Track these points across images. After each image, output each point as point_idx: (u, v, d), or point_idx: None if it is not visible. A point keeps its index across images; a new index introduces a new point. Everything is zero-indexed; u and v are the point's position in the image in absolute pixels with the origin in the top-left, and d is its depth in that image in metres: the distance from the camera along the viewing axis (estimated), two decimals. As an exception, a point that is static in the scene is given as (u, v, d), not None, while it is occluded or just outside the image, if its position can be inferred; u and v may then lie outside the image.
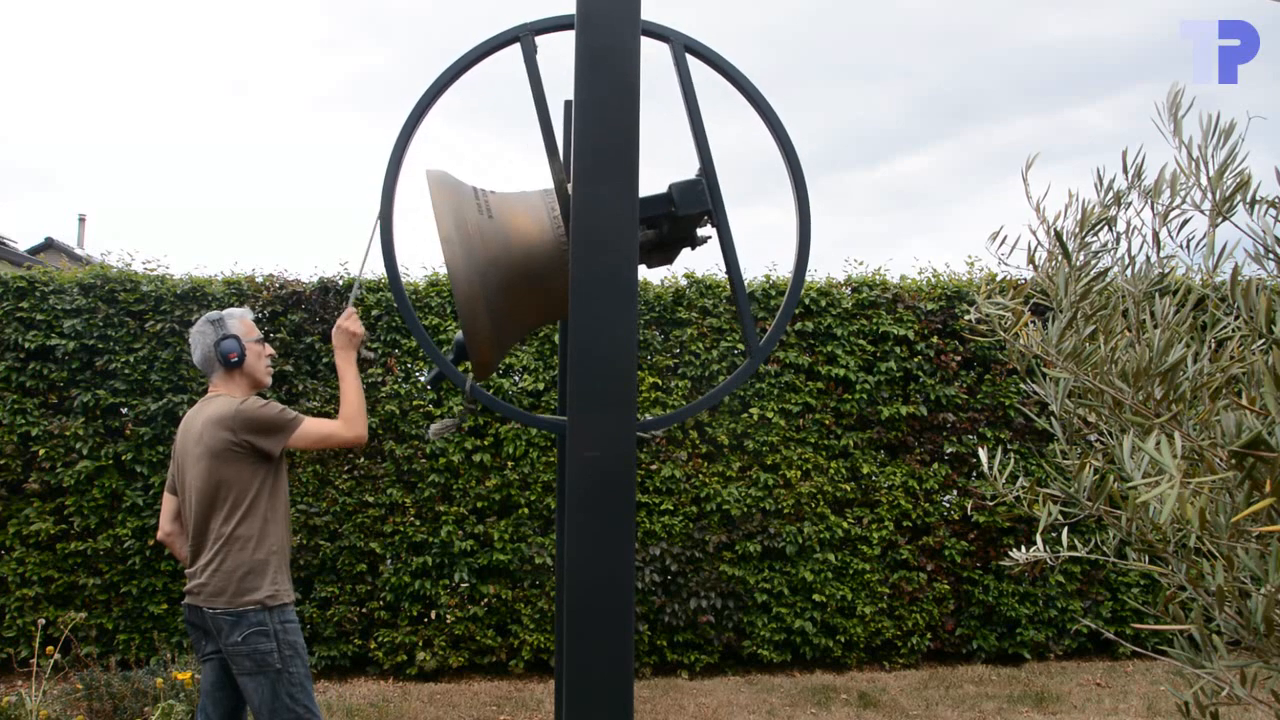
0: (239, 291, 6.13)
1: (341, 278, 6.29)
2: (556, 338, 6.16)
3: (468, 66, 2.09)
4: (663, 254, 2.26)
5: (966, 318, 6.10)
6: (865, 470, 6.35)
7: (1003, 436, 6.45)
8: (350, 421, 2.94)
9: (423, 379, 6.18)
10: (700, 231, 2.22)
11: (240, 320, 3.05)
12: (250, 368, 3.04)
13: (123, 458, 5.92)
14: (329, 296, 6.21)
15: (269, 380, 3.13)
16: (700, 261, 15.38)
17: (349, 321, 2.99)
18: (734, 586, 6.13)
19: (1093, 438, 1.64)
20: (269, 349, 3.14)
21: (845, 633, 6.24)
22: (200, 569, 2.88)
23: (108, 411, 5.96)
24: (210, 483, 2.87)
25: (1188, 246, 1.48)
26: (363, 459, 6.03)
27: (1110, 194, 1.55)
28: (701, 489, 6.17)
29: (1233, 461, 1.10)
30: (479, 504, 6.06)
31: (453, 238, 1.98)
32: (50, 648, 5.05)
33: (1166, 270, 1.52)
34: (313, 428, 2.94)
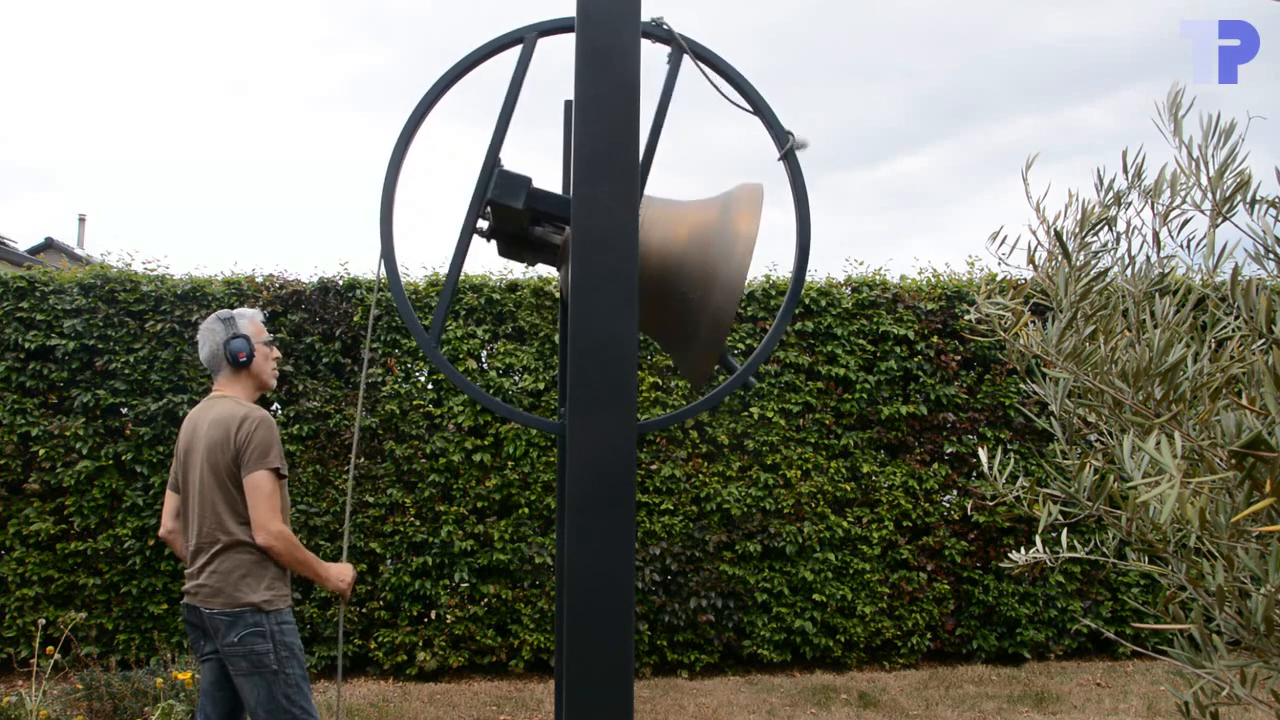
0: (239, 291, 6.13)
1: (341, 278, 6.29)
2: (556, 338, 6.16)
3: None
4: (508, 245, 2.25)
5: (966, 318, 6.10)
6: (865, 470, 6.35)
7: (1003, 436, 6.45)
8: (279, 540, 2.83)
9: (422, 378, 6.16)
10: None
11: (251, 321, 3.05)
12: (257, 369, 3.04)
13: (123, 458, 5.92)
14: (329, 296, 6.21)
15: (274, 383, 3.12)
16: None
17: (347, 586, 3.06)
18: (734, 586, 6.13)
19: (1093, 438, 1.64)
20: (276, 352, 3.13)
21: (845, 633, 6.24)
22: (199, 569, 2.88)
23: (108, 411, 5.96)
24: (211, 484, 2.87)
25: (1188, 246, 1.48)
26: (363, 459, 6.04)
27: (1110, 194, 1.55)
28: (701, 489, 6.17)
29: (1233, 461, 1.10)
30: (479, 504, 6.06)
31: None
32: (50, 648, 5.05)
33: (1166, 270, 1.52)
34: (264, 490, 2.83)
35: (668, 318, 2.09)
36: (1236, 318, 1.35)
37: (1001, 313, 1.57)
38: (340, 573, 3.05)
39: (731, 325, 2.23)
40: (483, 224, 2.16)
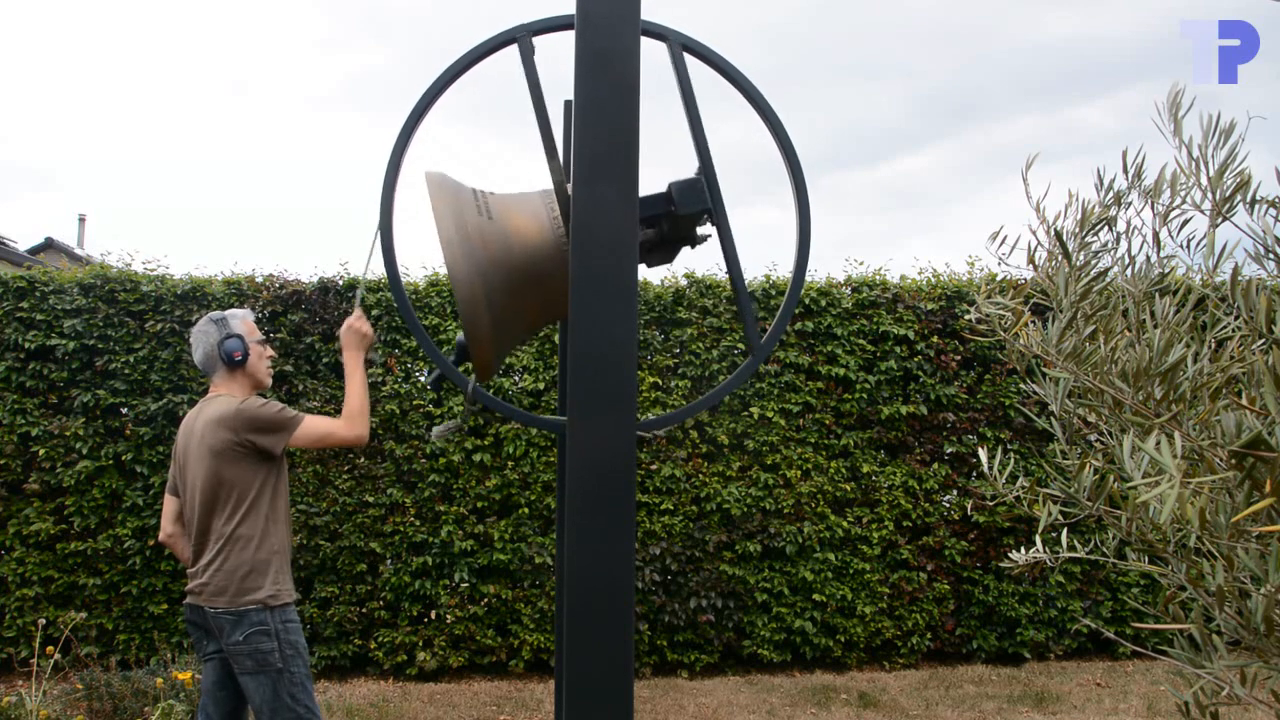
0: (239, 291, 6.13)
1: (342, 278, 6.29)
2: (557, 338, 6.16)
3: (465, 69, 2.09)
4: (663, 253, 2.25)
5: (966, 317, 6.10)
6: (865, 470, 6.35)
7: (1003, 436, 6.45)
8: (352, 420, 2.94)
9: (424, 379, 6.17)
10: (700, 230, 2.21)
11: (243, 320, 3.06)
12: (252, 368, 3.05)
13: (123, 458, 5.92)
14: (329, 296, 6.21)
15: (269, 381, 3.13)
16: (700, 261, 15.39)
17: (360, 322, 3.01)
18: (734, 586, 6.13)
19: (1093, 438, 1.64)
20: (270, 350, 3.14)
21: (845, 633, 6.24)
22: (202, 569, 2.88)
23: (108, 411, 5.96)
24: (212, 482, 2.87)
25: (1188, 246, 1.48)
26: (363, 459, 6.04)
27: (1110, 194, 1.55)
28: (701, 489, 6.17)
29: (1233, 461, 1.10)
30: (479, 504, 6.06)
31: (453, 239, 1.97)
32: (50, 648, 5.05)
33: (1166, 270, 1.52)
34: (313, 426, 2.94)
35: (534, 304, 2.11)
36: (1236, 318, 1.35)
37: (1001, 313, 1.57)
38: (356, 334, 3.00)
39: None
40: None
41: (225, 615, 2.81)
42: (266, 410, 2.89)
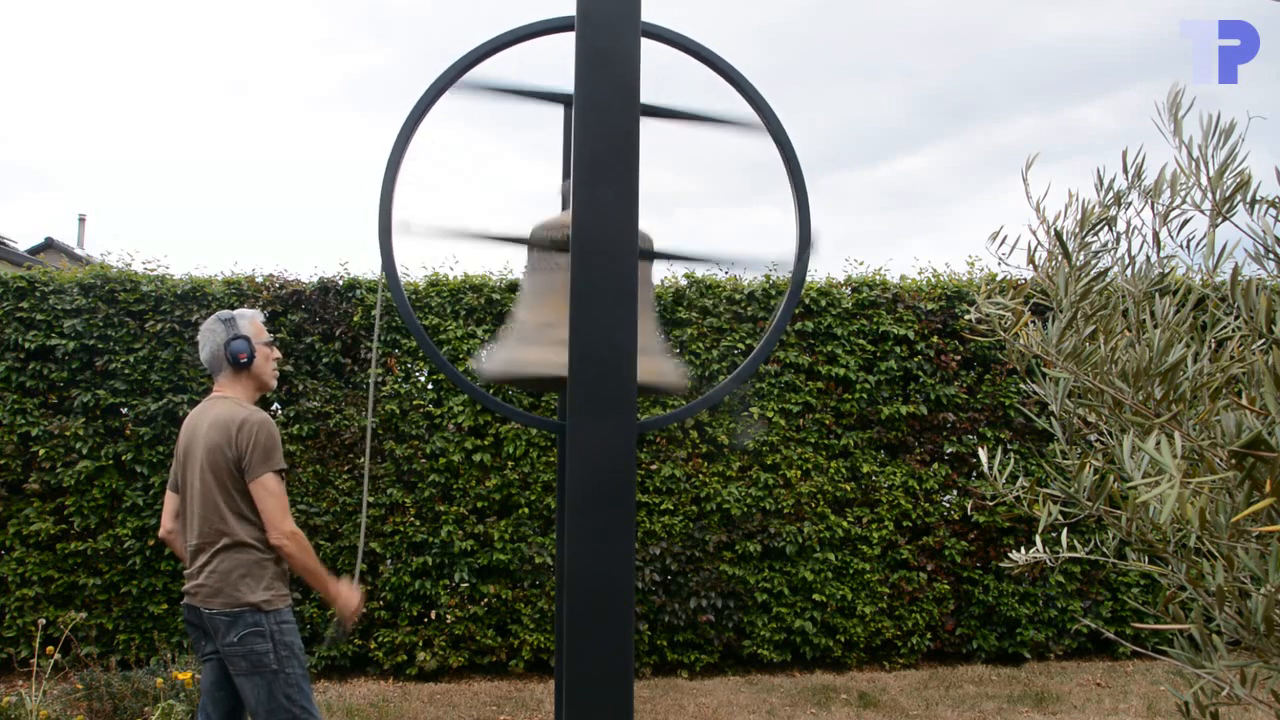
0: (239, 291, 6.13)
1: (341, 278, 6.29)
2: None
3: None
4: None
5: (966, 317, 6.10)
6: (865, 470, 6.35)
7: (1003, 436, 6.45)
8: (292, 540, 2.86)
9: (422, 378, 6.15)
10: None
11: (251, 321, 3.05)
12: (258, 370, 3.04)
13: (123, 458, 5.92)
14: (329, 296, 6.21)
15: (274, 384, 3.13)
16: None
17: (357, 604, 3.02)
18: (734, 586, 6.13)
19: (1093, 438, 1.64)
20: (276, 353, 3.13)
21: (845, 633, 6.24)
22: (199, 570, 2.88)
23: (108, 411, 5.96)
24: (211, 484, 2.87)
25: (1188, 246, 1.48)
26: (363, 459, 6.04)
27: (1110, 194, 1.55)
28: (701, 489, 6.17)
29: (1233, 461, 1.10)
30: (479, 504, 6.06)
31: (551, 359, 2.03)
32: (50, 648, 5.05)
33: (1166, 270, 1.52)
34: (271, 494, 2.85)
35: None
36: (1236, 318, 1.35)
37: (1001, 313, 1.57)
38: (348, 596, 3.01)
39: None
40: None
41: (220, 616, 2.81)
42: (269, 437, 2.86)
